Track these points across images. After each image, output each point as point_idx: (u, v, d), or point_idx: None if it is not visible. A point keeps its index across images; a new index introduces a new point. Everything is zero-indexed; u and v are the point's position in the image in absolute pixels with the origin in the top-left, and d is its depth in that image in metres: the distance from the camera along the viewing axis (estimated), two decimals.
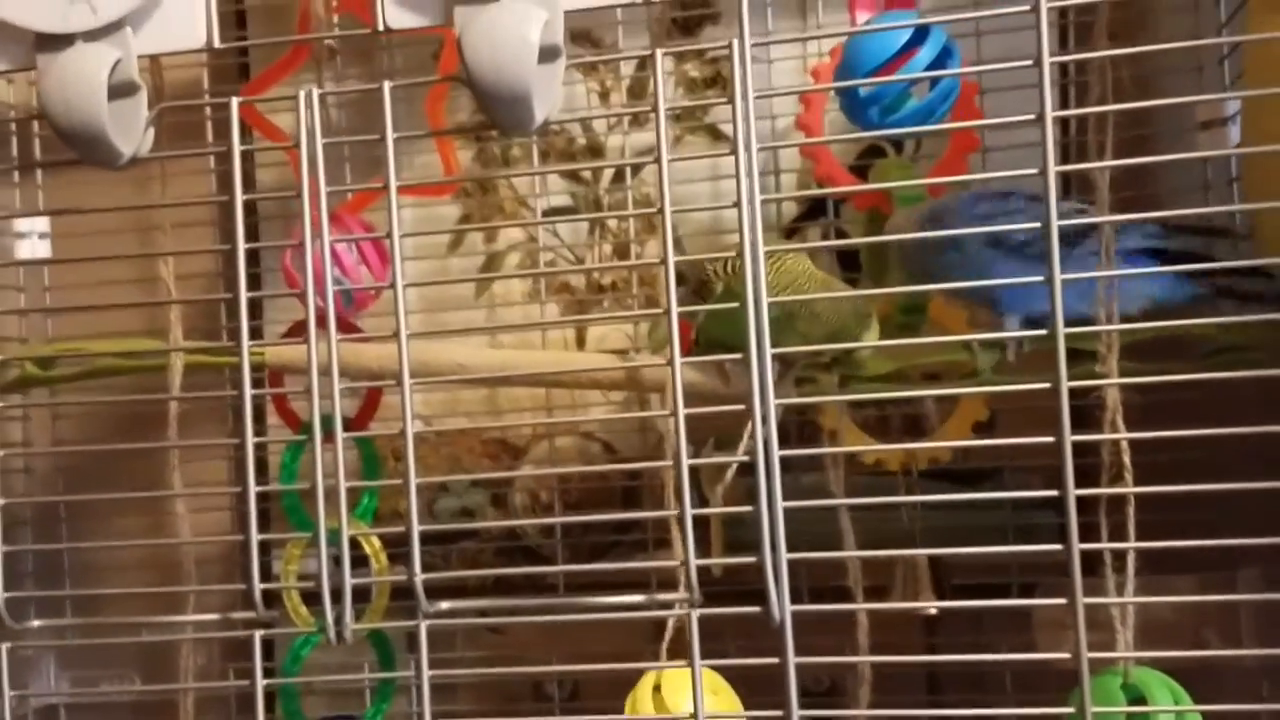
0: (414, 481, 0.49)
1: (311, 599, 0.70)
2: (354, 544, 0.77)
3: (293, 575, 0.76)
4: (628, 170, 0.94)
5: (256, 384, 0.79)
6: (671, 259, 0.48)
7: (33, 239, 0.93)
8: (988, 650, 0.79)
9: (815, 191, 0.86)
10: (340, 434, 0.51)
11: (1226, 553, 0.76)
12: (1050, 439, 0.45)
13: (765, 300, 0.47)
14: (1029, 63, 0.46)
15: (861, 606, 0.57)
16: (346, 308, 0.70)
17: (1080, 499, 0.45)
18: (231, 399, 0.54)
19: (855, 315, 0.63)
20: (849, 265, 0.87)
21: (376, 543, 0.76)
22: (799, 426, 0.86)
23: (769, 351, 0.47)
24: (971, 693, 0.83)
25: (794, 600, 0.47)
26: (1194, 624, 0.78)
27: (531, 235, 0.97)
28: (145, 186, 0.86)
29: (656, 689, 0.59)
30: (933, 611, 0.70)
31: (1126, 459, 0.50)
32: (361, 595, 0.76)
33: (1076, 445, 0.45)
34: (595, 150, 0.96)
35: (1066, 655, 0.45)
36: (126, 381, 0.91)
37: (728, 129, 0.92)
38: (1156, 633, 0.70)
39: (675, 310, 0.48)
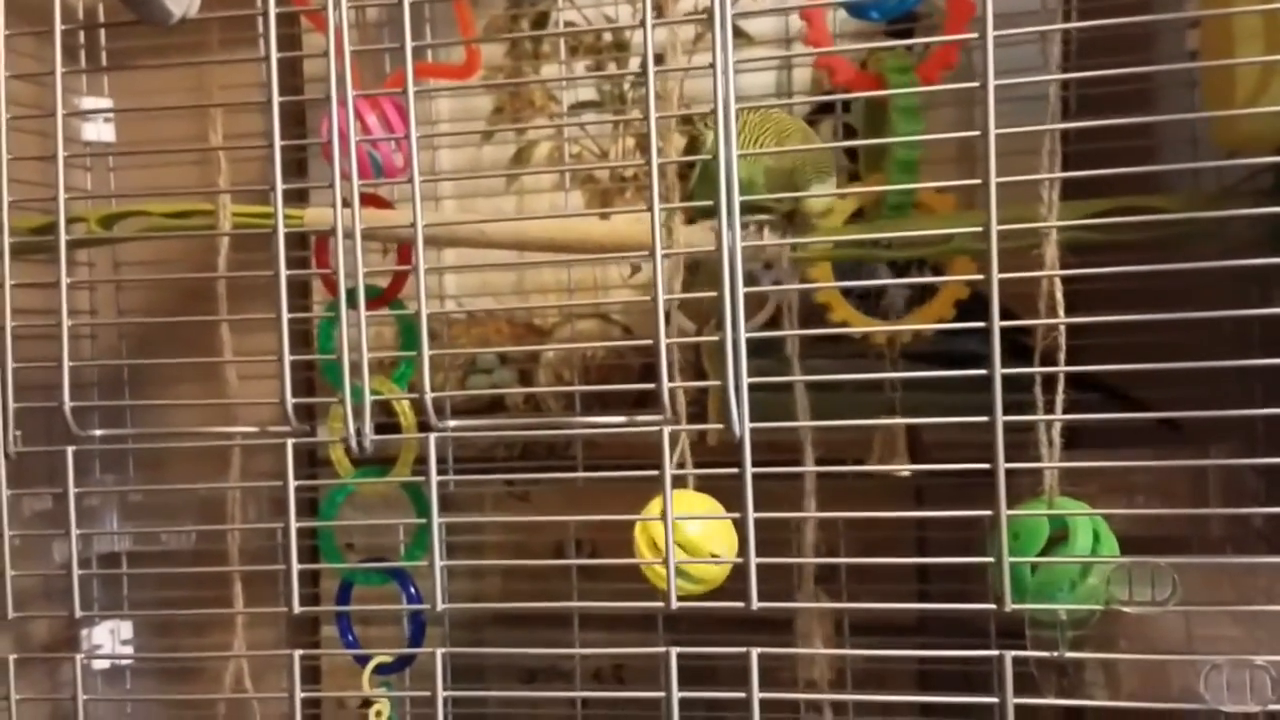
0: (424, 312, 0.56)
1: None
2: (388, 409, 0.85)
3: (337, 432, 0.83)
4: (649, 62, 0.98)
5: (300, 260, 0.87)
6: (654, 115, 0.53)
7: (98, 122, 1.01)
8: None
9: (786, 53, 0.91)
10: (361, 274, 0.58)
11: (1197, 428, 0.81)
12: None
13: (735, 153, 0.53)
14: None
15: (810, 425, 0.63)
16: (376, 177, 0.76)
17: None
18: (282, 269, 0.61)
19: (811, 163, 0.68)
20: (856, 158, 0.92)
21: (405, 403, 0.84)
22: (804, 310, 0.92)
23: (737, 199, 0.53)
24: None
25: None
26: (1161, 501, 0.83)
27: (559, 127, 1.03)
28: (203, 80, 0.93)
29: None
30: (905, 474, 0.76)
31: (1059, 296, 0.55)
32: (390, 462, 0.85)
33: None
34: (620, 45, 1.01)
35: (986, 465, 0.51)
36: (183, 255, 1.00)
37: (744, 25, 0.98)
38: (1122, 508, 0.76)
39: (655, 162, 0.54)
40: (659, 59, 0.98)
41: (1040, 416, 0.56)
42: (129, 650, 1.04)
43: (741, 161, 0.71)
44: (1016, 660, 0.54)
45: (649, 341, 0.55)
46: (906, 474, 0.76)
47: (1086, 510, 0.57)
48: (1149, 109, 0.85)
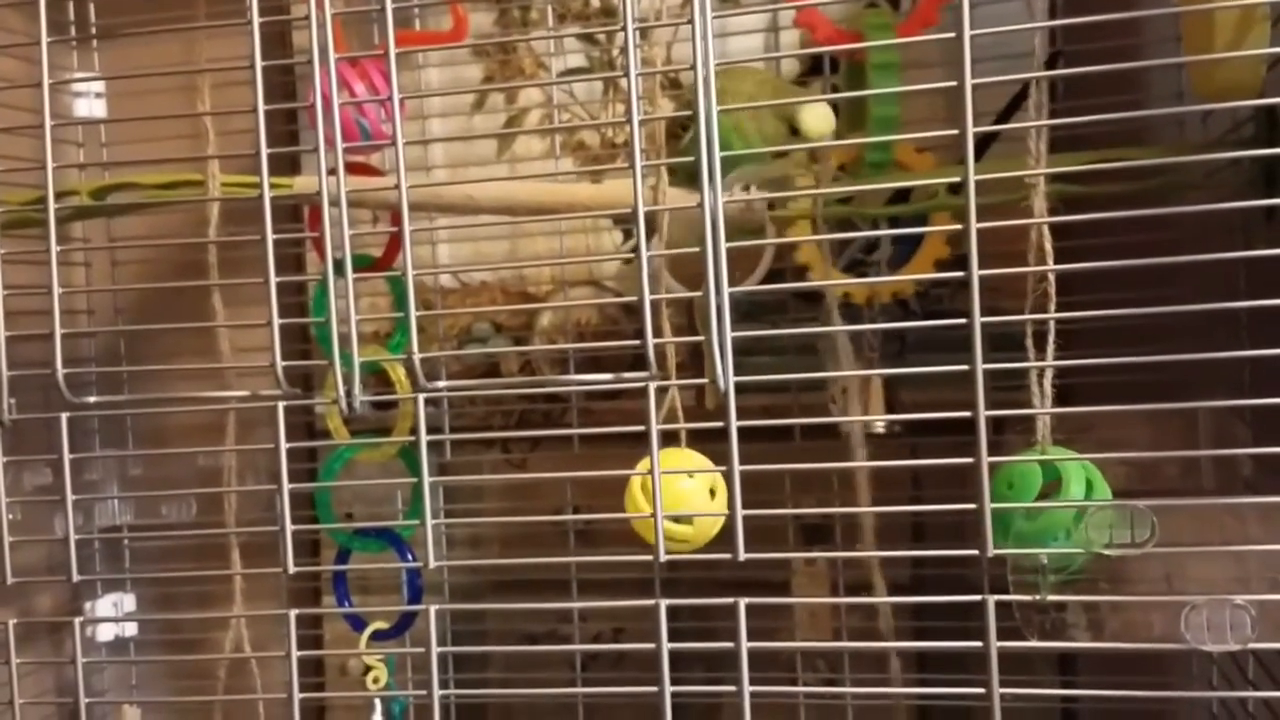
0: (410, 273, 0.56)
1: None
2: (385, 380, 0.85)
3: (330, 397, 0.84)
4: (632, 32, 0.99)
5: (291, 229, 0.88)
6: (635, 70, 0.54)
7: (89, 98, 1.01)
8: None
9: (770, 7, 0.91)
10: (347, 237, 0.58)
11: (1182, 382, 0.82)
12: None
13: (715, 109, 0.53)
14: None
15: (797, 377, 0.64)
16: (364, 141, 0.77)
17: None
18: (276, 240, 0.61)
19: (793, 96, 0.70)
20: None
21: (400, 370, 0.84)
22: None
23: (717, 154, 0.53)
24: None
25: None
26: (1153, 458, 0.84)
27: (548, 95, 1.03)
28: (194, 58, 0.93)
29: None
30: (879, 429, 0.76)
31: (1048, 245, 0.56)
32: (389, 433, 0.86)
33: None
34: (609, 11, 1.01)
35: (966, 413, 0.51)
36: (177, 232, 1.00)
37: None
38: (1115, 464, 0.76)
39: (636, 118, 0.54)
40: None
41: (1020, 364, 0.56)
42: (132, 624, 1.06)
43: (735, 133, 0.72)
44: (1005, 611, 0.54)
45: (635, 299, 0.55)
46: (880, 428, 0.77)
47: (1072, 455, 0.58)
48: (1137, 71, 0.85)
